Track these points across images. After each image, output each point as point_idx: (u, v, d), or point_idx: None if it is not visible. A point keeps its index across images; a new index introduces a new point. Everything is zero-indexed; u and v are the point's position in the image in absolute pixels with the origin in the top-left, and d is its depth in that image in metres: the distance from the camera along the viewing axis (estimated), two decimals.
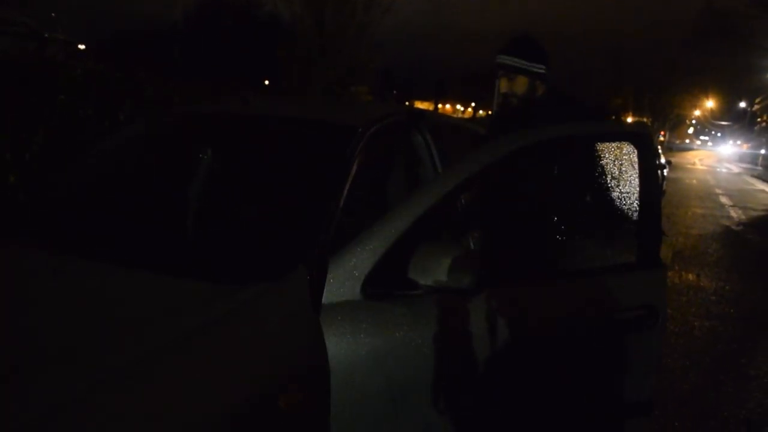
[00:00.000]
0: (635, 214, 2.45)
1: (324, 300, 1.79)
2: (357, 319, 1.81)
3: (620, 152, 2.54)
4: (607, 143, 2.56)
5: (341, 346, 1.75)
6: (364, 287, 1.83)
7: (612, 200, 2.60)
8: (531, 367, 2.19)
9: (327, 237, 1.88)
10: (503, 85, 2.82)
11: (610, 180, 2.60)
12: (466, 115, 75.94)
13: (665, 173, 14.76)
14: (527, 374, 2.19)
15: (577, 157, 2.70)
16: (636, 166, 2.43)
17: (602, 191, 2.64)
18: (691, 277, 7.50)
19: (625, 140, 2.50)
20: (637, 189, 2.43)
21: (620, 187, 2.55)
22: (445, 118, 3.99)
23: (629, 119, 67.56)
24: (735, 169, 41.66)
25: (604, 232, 2.64)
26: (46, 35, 15.80)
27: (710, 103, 63.43)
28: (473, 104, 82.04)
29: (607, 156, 2.61)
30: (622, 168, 2.55)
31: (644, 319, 2.29)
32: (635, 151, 2.43)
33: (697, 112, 70.24)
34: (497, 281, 2.08)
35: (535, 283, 2.27)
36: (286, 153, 2.50)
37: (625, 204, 2.54)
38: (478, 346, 2.04)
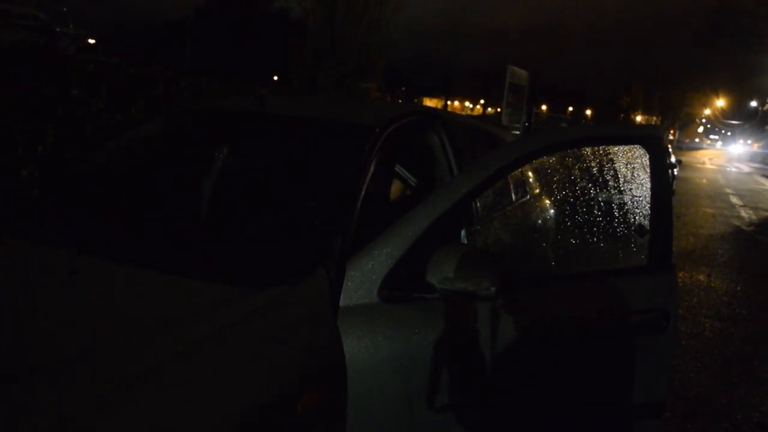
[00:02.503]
0: (647, 217, 2.44)
1: (341, 303, 1.79)
2: (374, 323, 1.80)
3: (632, 155, 2.54)
4: (620, 146, 2.56)
5: (359, 348, 1.75)
6: (381, 290, 1.83)
7: (624, 203, 2.60)
8: (545, 368, 2.19)
9: (345, 239, 1.88)
10: None
11: (622, 182, 2.60)
12: (475, 113, 75.81)
13: (675, 172, 14.67)
14: (541, 375, 2.19)
15: (589, 160, 2.69)
16: (647, 168, 2.43)
17: (614, 193, 2.64)
18: (701, 277, 7.46)
19: (636, 143, 2.48)
20: (649, 191, 2.42)
21: (632, 190, 2.56)
22: (461, 117, 3.98)
23: (638, 118, 67.31)
24: (745, 168, 41.39)
25: (616, 234, 2.64)
26: (58, 29, 15.86)
27: (720, 102, 62.94)
28: (482, 101, 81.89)
29: (619, 158, 2.62)
30: (633, 171, 2.54)
31: (656, 322, 2.28)
32: (646, 154, 2.42)
33: (707, 111, 69.71)
34: (513, 284, 2.08)
35: (548, 286, 2.27)
36: (303, 153, 2.49)
37: (636, 206, 2.55)
38: (496, 349, 2.05)
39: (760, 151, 60.14)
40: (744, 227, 12.43)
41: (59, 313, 1.61)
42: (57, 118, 4.94)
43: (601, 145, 2.60)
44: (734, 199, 18.08)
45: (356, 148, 2.22)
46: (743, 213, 14.80)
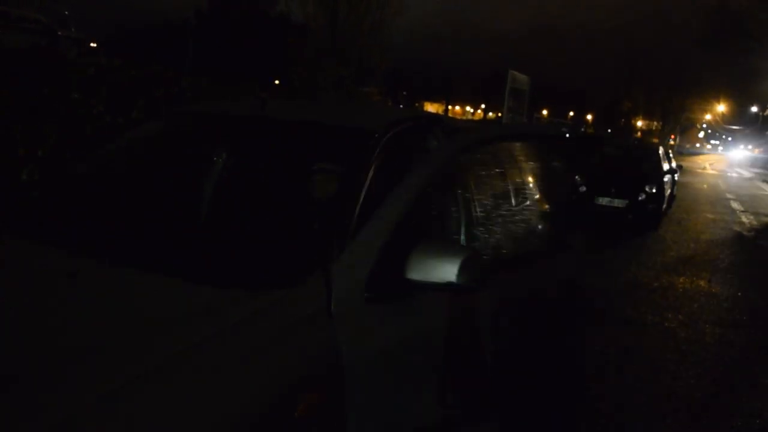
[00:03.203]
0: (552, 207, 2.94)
1: (332, 306, 1.80)
2: (361, 323, 1.82)
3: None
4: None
5: (349, 350, 1.75)
6: (364, 292, 1.85)
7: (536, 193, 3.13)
8: (517, 344, 2.66)
9: (344, 242, 1.89)
10: None
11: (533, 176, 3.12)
12: (476, 117, 75.93)
13: (676, 178, 14.64)
14: (517, 350, 2.66)
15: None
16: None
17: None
18: (702, 283, 7.45)
19: (543, 142, 2.98)
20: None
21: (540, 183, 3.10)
22: (461, 122, 3.99)
23: (639, 122, 67.35)
24: (746, 174, 41.36)
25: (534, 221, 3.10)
26: (59, 32, 15.85)
27: (721, 107, 62.98)
28: (483, 106, 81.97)
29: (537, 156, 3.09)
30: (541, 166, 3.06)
31: (570, 289, 2.86)
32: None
33: (708, 116, 69.81)
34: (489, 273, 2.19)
35: (510, 270, 2.60)
36: (303, 157, 2.49)
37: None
38: (481, 335, 2.36)
39: (761, 156, 60.13)
40: (745, 233, 12.42)
41: (60, 313, 1.61)
42: (58, 120, 4.94)
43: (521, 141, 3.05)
44: (735, 205, 18.05)
45: (356, 151, 2.23)
46: (744, 218, 14.78)
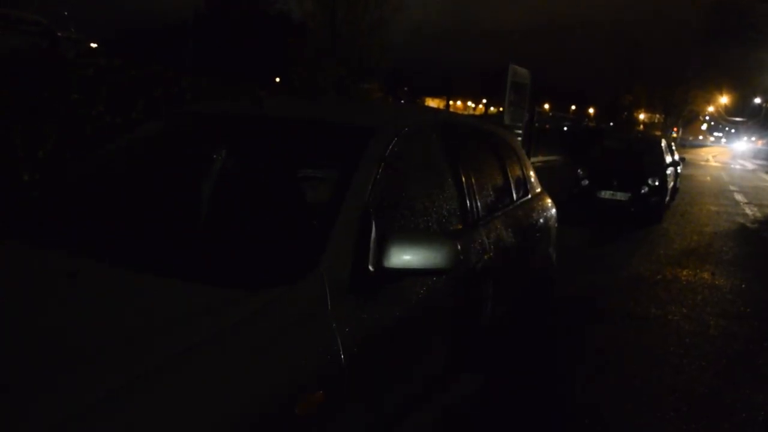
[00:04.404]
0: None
1: (329, 304, 1.82)
2: (351, 317, 1.85)
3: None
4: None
5: (344, 345, 1.77)
6: (350, 289, 1.88)
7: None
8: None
9: (343, 239, 1.89)
10: None
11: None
12: (478, 112, 75.84)
13: (679, 170, 14.61)
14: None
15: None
16: None
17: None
18: (705, 275, 7.43)
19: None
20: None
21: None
22: (464, 118, 4.01)
23: (641, 116, 67.16)
24: (749, 165, 41.20)
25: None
26: (59, 33, 15.84)
27: (724, 99, 62.71)
28: (484, 100, 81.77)
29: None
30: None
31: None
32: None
33: (710, 108, 69.54)
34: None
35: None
36: (302, 155, 2.49)
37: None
38: (466, 306, 2.66)
39: (764, 147, 59.94)
40: (748, 224, 12.38)
41: (60, 314, 1.61)
42: (58, 120, 4.95)
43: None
44: (738, 197, 17.98)
45: (359, 150, 2.23)
46: (747, 210, 14.74)
